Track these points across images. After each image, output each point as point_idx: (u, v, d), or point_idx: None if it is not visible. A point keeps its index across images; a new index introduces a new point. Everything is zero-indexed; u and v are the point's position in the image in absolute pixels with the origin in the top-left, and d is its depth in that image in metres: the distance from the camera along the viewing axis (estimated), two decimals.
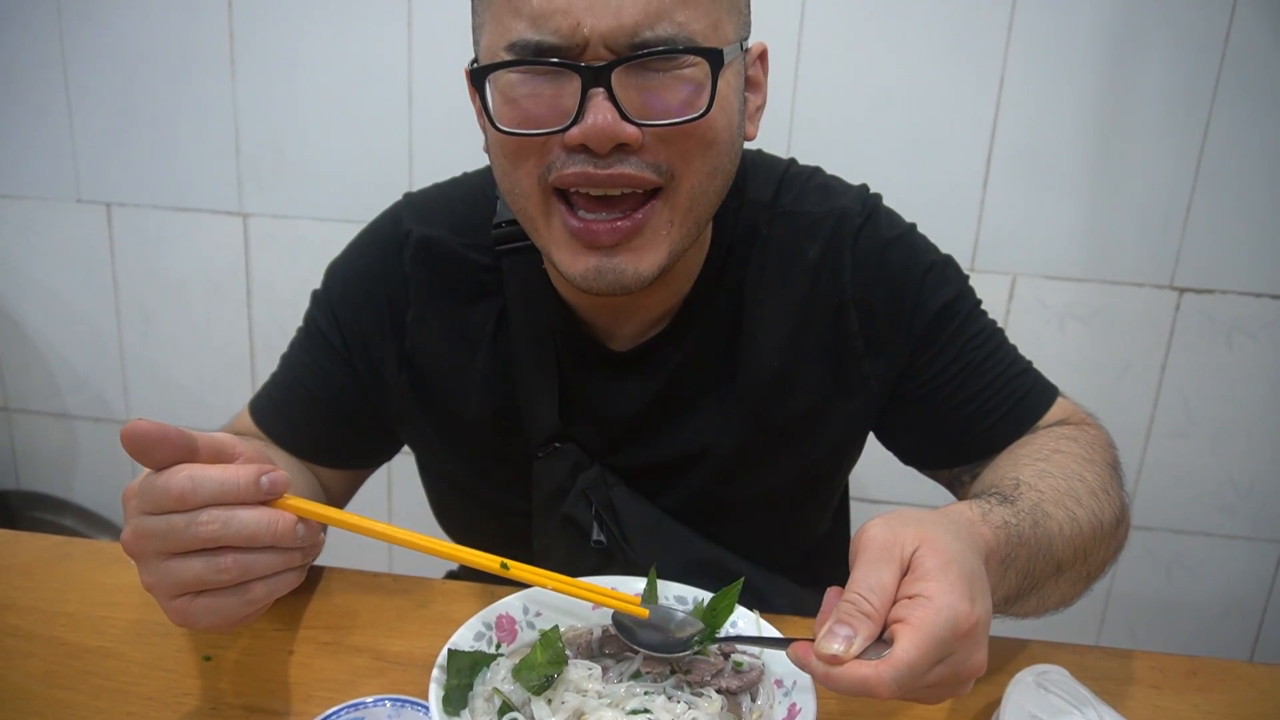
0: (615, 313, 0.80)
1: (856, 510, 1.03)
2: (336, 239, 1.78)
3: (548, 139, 0.66)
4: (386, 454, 0.94)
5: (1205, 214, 1.51)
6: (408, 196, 0.89)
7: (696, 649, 0.62)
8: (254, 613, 0.58)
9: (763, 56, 0.76)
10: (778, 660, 0.62)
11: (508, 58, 0.65)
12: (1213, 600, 1.72)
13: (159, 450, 0.55)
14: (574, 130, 0.64)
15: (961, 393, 0.82)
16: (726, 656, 0.63)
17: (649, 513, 0.84)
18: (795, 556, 0.90)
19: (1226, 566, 1.69)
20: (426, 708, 0.58)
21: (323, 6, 1.57)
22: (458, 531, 0.98)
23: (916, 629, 0.50)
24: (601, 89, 0.63)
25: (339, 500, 0.94)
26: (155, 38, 1.63)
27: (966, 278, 0.85)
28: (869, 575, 0.53)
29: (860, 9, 1.45)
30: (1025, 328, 1.58)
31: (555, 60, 0.63)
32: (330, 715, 0.61)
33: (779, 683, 0.61)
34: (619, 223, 0.67)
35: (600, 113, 0.63)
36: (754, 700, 0.60)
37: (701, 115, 0.65)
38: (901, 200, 0.90)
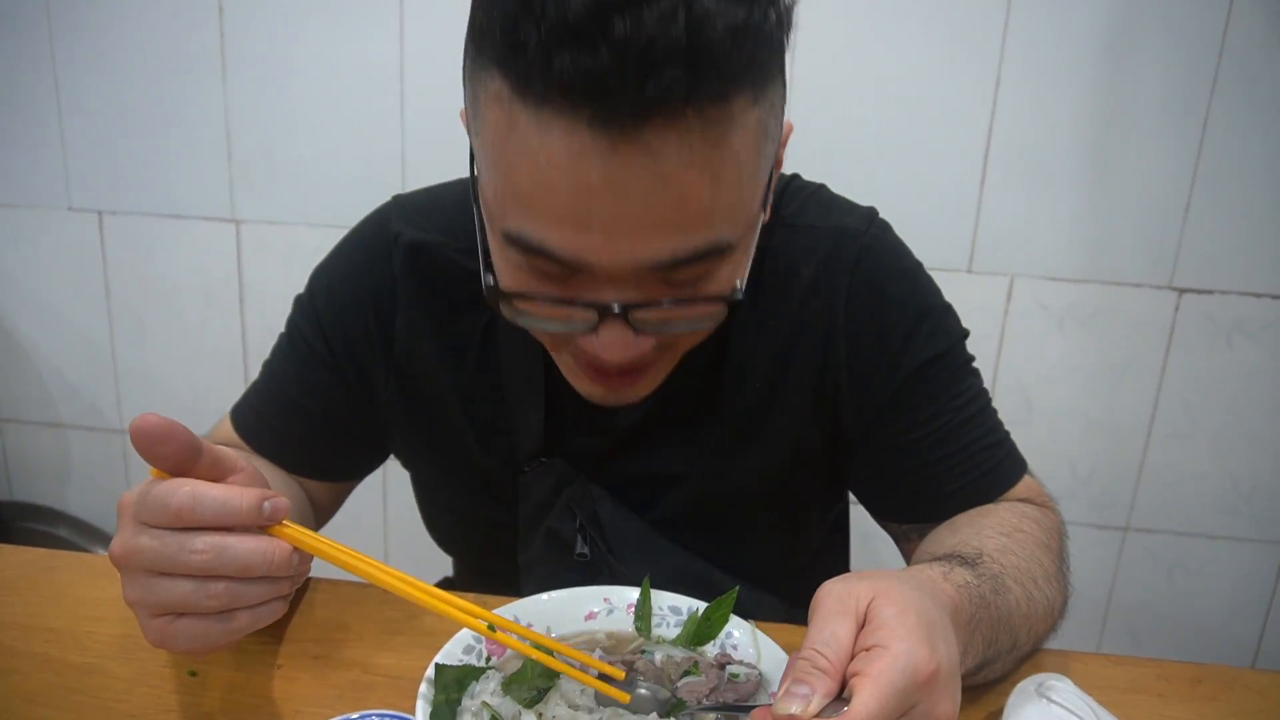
0: None
1: (860, 532, 1.01)
2: (330, 245, 1.77)
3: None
4: (374, 464, 0.93)
5: (1204, 214, 1.50)
6: (396, 199, 0.86)
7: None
8: (234, 641, 0.56)
9: (786, 138, 0.68)
10: (775, 671, 0.61)
11: (505, 239, 0.60)
12: (1216, 603, 1.71)
13: (166, 446, 0.53)
14: (589, 345, 0.62)
15: (931, 453, 0.79)
16: (722, 668, 0.61)
17: (635, 527, 0.82)
18: (785, 574, 0.88)
19: (1229, 569, 1.68)
20: None
21: (314, 11, 1.56)
22: (446, 541, 0.97)
23: (874, 680, 0.48)
24: (619, 319, 0.60)
25: (327, 510, 0.92)
26: (146, 43, 1.62)
27: (965, 333, 0.82)
28: (824, 630, 0.52)
29: (856, 8, 1.45)
30: (1024, 329, 1.58)
31: (566, 300, 0.60)
32: None
33: (775, 695, 0.59)
34: (625, 374, 0.67)
35: (620, 339, 0.61)
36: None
37: (726, 301, 0.62)
38: (897, 201, 0.88)
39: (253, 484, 0.56)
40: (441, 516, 0.95)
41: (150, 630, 0.55)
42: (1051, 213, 1.53)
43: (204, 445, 0.55)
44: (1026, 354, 1.59)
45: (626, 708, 0.58)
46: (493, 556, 0.89)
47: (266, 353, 0.88)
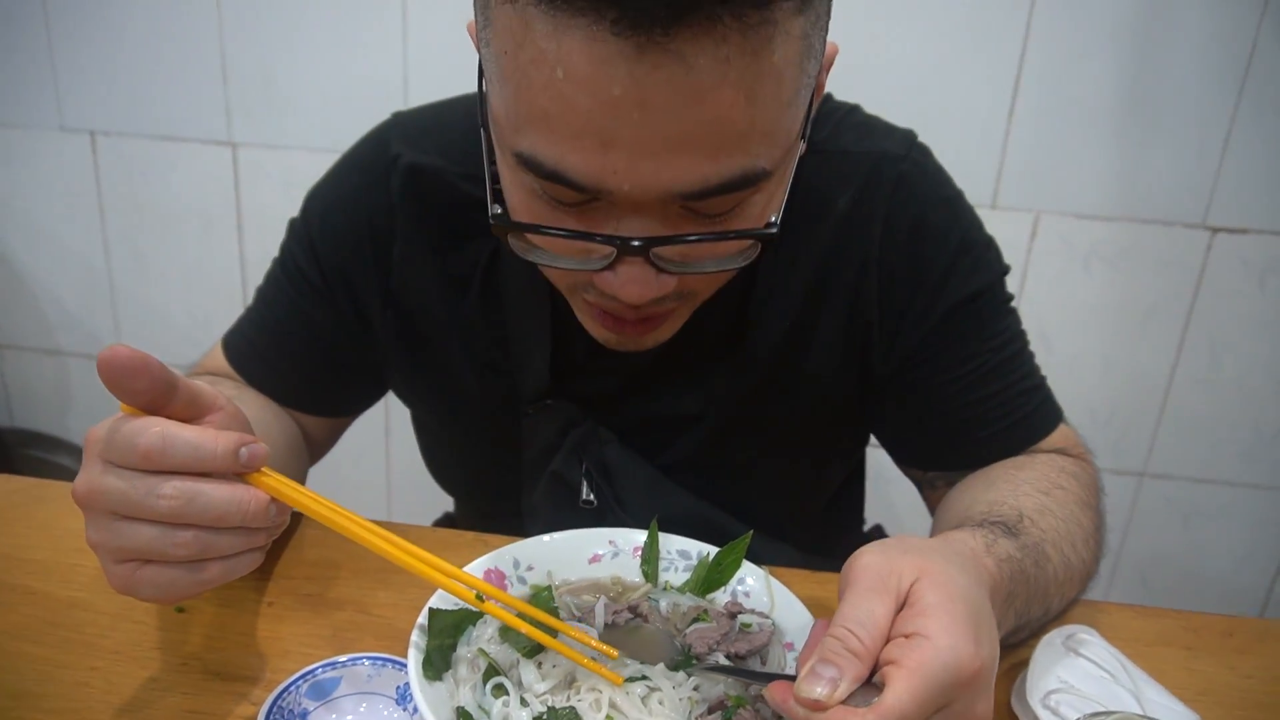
0: None
1: (873, 475, 0.98)
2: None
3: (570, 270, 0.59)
4: (372, 398, 0.88)
5: (1243, 149, 1.43)
6: (397, 117, 0.80)
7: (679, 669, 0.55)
8: (205, 590, 0.52)
9: (829, 61, 0.60)
10: (788, 620, 0.58)
11: (517, 160, 0.54)
12: (1230, 551, 1.69)
13: (137, 381, 0.48)
14: (605, 282, 0.56)
15: (965, 397, 0.74)
16: (733, 617, 0.58)
17: (644, 471, 0.78)
18: (800, 521, 0.85)
19: (1246, 516, 1.66)
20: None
21: None
22: (448, 483, 0.94)
23: (912, 673, 0.44)
24: (640, 255, 0.54)
25: (322, 445, 0.88)
26: None
27: (1005, 269, 0.77)
28: (859, 608, 0.47)
29: None
30: (1047, 269, 1.52)
31: (582, 233, 0.54)
32: (305, 674, 0.57)
33: (790, 645, 0.56)
34: (643, 321, 0.62)
35: (638, 277, 0.55)
36: (763, 664, 0.56)
37: (762, 233, 0.56)
38: (919, 130, 0.82)
39: (232, 425, 0.52)
40: (443, 457, 0.91)
41: (114, 575, 0.51)
42: (1082, 147, 1.46)
43: (179, 381, 0.50)
44: (1049, 294, 1.53)
45: (633, 649, 0.54)
46: (495, 499, 0.86)
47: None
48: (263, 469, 0.51)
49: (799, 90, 0.53)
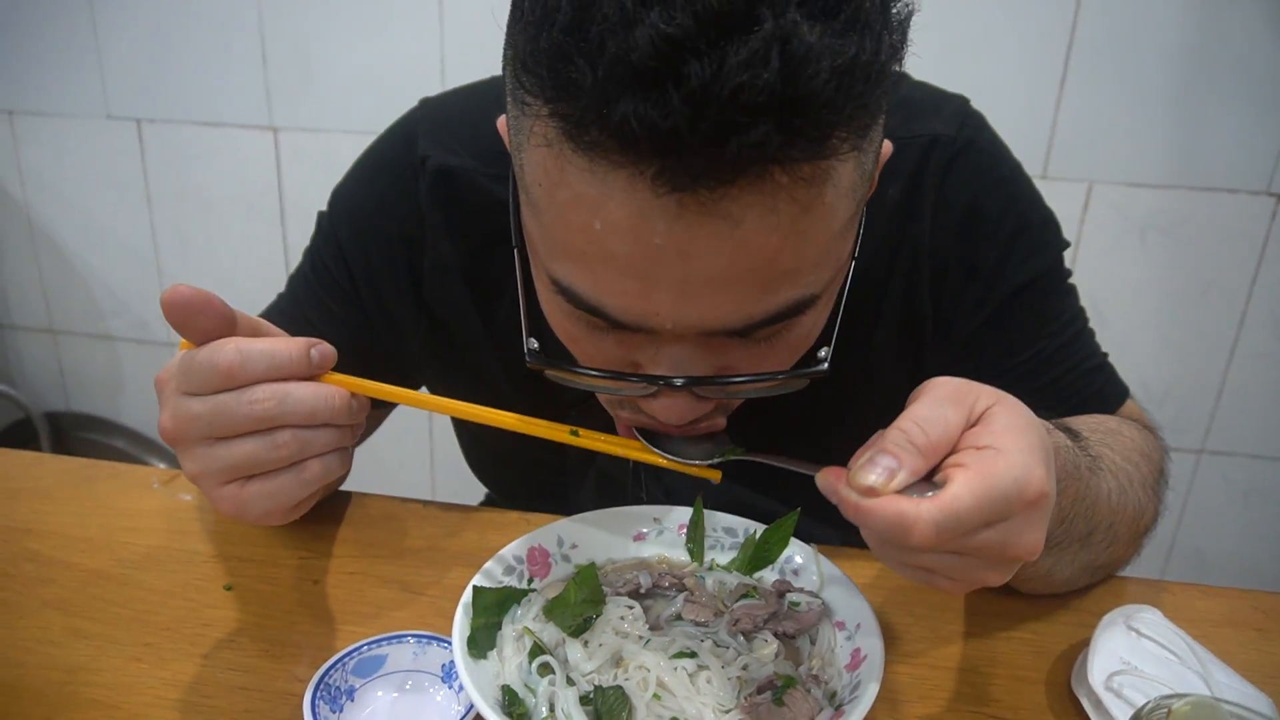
0: None
1: None
2: None
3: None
4: (391, 405, 0.87)
5: None
6: (424, 106, 0.77)
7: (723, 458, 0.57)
8: (310, 498, 0.54)
9: (886, 158, 0.58)
10: (838, 598, 0.56)
11: (554, 285, 0.52)
12: None
13: (202, 318, 0.51)
14: (649, 406, 0.55)
15: (1025, 384, 0.70)
16: (781, 596, 0.57)
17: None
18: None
19: None
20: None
21: None
22: (492, 485, 0.92)
23: (978, 474, 0.42)
24: (683, 390, 0.53)
25: (362, 435, 0.87)
26: None
27: (1065, 245, 0.73)
28: (929, 410, 0.44)
29: None
30: (1100, 241, 1.47)
31: (622, 374, 0.53)
32: (351, 651, 0.57)
33: (840, 625, 0.55)
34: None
35: (676, 406, 0.54)
36: (813, 644, 0.54)
37: (810, 361, 0.56)
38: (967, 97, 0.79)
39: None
40: (484, 460, 0.90)
41: (222, 501, 0.53)
42: (1137, 111, 1.40)
43: (238, 314, 0.53)
44: (1103, 266, 1.48)
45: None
46: (541, 500, 0.84)
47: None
48: (329, 370, 0.54)
49: (852, 218, 0.51)
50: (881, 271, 0.70)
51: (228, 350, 0.50)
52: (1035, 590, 0.66)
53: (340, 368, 0.80)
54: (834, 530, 0.79)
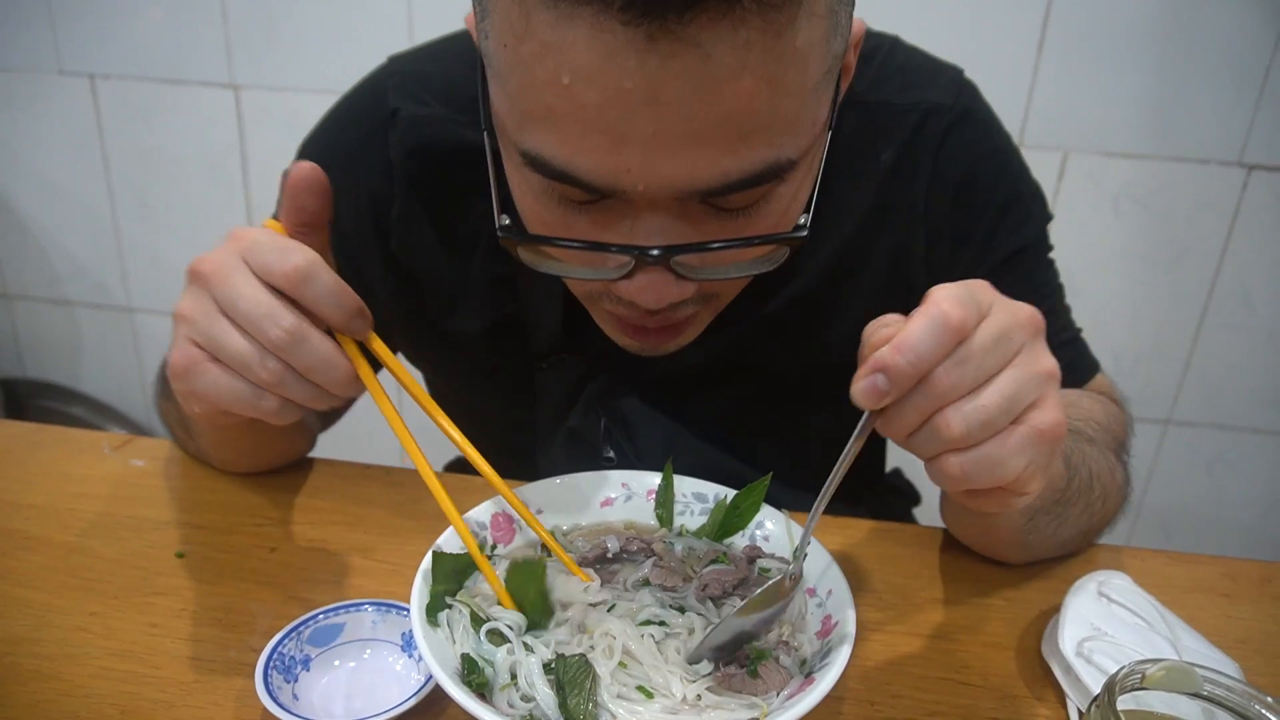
0: None
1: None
2: None
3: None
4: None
5: None
6: (392, 62, 0.76)
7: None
8: (237, 427, 0.53)
9: (857, 42, 0.57)
10: (810, 566, 0.55)
11: (524, 160, 0.50)
12: (1253, 499, 1.66)
13: (312, 198, 0.53)
14: (624, 289, 0.53)
15: None
16: (751, 562, 0.56)
17: (663, 425, 0.75)
18: (819, 473, 0.82)
19: (1271, 464, 1.62)
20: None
21: None
22: (463, 428, 0.91)
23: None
24: (660, 264, 0.51)
25: (330, 418, 0.84)
26: None
27: (1049, 217, 0.74)
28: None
29: None
30: (1074, 210, 1.47)
31: (596, 244, 0.51)
32: (307, 620, 0.55)
33: (811, 592, 0.54)
34: (663, 325, 0.60)
35: (657, 283, 0.52)
36: (784, 612, 0.53)
37: (789, 237, 0.53)
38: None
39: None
40: (454, 416, 0.88)
41: (182, 353, 0.51)
42: (1114, 81, 1.39)
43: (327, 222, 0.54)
44: (1077, 235, 1.47)
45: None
46: (511, 458, 0.82)
47: None
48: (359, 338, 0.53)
49: (825, 73, 0.49)
50: (871, 232, 0.70)
51: (306, 257, 0.49)
52: (1038, 555, 0.66)
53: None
54: (806, 495, 0.78)
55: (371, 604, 0.56)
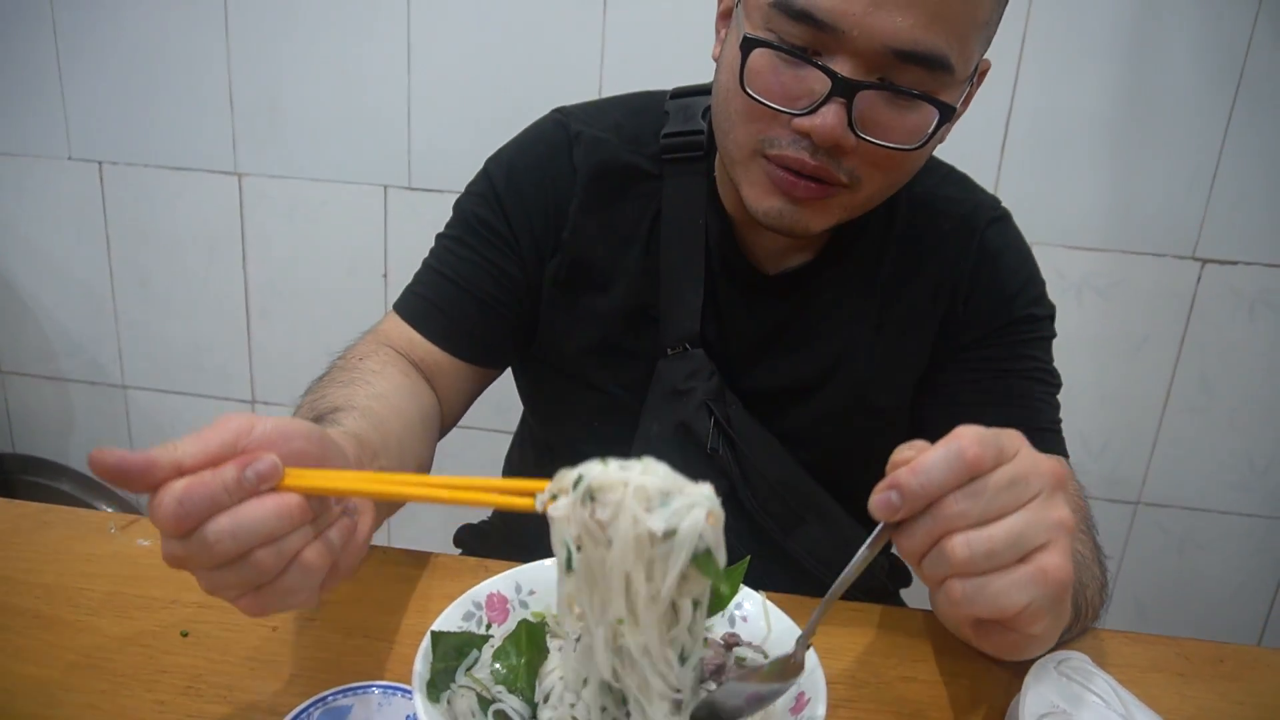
0: (774, 236, 0.83)
1: None
2: (334, 199, 1.71)
3: (776, 111, 0.71)
4: (519, 353, 0.94)
5: (1231, 183, 1.45)
6: (561, 109, 0.91)
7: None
8: (331, 574, 0.52)
9: (982, 75, 0.76)
10: (781, 648, 0.59)
11: (769, 18, 0.68)
12: (1225, 579, 1.69)
13: (127, 481, 0.48)
14: (805, 121, 0.69)
15: (980, 407, 0.84)
16: (729, 649, 0.59)
17: (763, 436, 0.86)
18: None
19: (1240, 544, 1.66)
20: None
21: None
22: (552, 422, 0.98)
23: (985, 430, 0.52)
24: (845, 99, 0.67)
25: (457, 408, 0.90)
26: None
27: (1054, 314, 0.89)
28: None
29: None
30: None
31: (819, 64, 0.67)
32: (319, 700, 0.58)
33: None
34: (813, 186, 0.73)
35: (835, 118, 0.68)
36: (782, 694, 0.56)
37: (914, 149, 0.70)
38: None
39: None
40: (559, 393, 0.95)
41: (243, 608, 0.51)
42: (1073, 180, 1.48)
43: (180, 448, 0.49)
44: None
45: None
46: (603, 443, 0.81)
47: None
48: (286, 473, 0.50)
49: (986, 27, 0.69)
50: (927, 281, 0.86)
51: (168, 503, 0.47)
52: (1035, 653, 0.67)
53: (486, 316, 0.87)
54: (783, 575, 0.82)
55: (378, 686, 0.59)
